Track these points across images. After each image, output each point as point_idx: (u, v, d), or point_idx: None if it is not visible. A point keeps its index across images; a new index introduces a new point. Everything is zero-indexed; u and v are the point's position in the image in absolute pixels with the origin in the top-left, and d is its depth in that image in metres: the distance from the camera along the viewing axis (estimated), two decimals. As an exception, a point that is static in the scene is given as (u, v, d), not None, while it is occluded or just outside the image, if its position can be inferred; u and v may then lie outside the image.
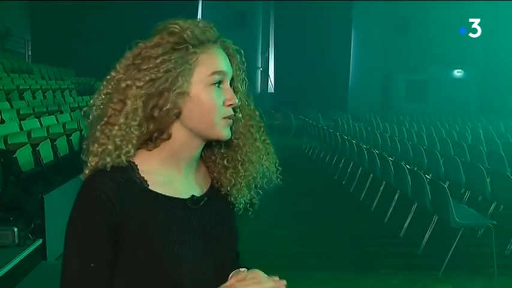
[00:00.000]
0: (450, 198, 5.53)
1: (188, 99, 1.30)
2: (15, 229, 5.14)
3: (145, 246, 1.27)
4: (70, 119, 10.75)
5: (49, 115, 10.55)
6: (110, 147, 1.28)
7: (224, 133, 1.34)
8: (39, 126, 9.29)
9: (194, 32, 1.31)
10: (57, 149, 8.07)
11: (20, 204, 5.68)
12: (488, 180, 6.87)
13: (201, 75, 1.31)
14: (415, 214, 6.74)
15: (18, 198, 5.80)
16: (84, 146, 1.35)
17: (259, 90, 25.06)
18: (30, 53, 21.05)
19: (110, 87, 1.32)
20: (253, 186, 1.49)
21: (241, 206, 1.49)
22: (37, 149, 7.47)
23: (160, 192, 1.32)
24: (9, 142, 7.31)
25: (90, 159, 1.30)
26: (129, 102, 1.28)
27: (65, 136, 8.66)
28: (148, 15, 19.83)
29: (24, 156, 7.05)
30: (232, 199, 1.47)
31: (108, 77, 1.34)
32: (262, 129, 1.50)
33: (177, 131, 1.33)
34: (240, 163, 1.43)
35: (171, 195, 1.34)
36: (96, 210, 1.25)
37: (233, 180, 1.44)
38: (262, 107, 20.36)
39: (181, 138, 1.34)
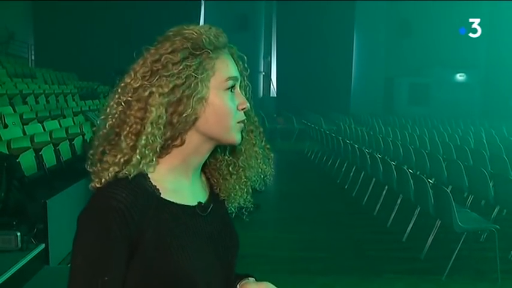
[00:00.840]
0: (453, 203, 5.52)
1: (206, 105, 1.30)
2: (18, 234, 5.14)
3: (163, 256, 1.25)
4: (73, 124, 10.77)
5: (52, 120, 10.57)
6: (137, 157, 1.26)
7: (238, 137, 1.36)
8: (42, 130, 9.31)
9: (210, 38, 1.32)
10: (60, 153, 8.09)
11: (23, 209, 5.68)
12: (491, 184, 6.86)
13: (217, 80, 1.32)
14: (417, 218, 6.73)
15: (21, 202, 5.80)
16: (90, 156, 1.34)
17: (261, 94, 25.05)
18: (33, 57, 21.08)
19: (129, 95, 1.30)
20: (250, 190, 1.49)
21: (234, 210, 1.50)
22: (40, 153, 7.49)
23: (171, 200, 1.31)
24: (12, 147, 7.33)
25: (110, 169, 1.27)
26: (153, 110, 1.26)
27: (67, 141, 8.68)
28: (151, 20, 19.89)
29: (27, 161, 7.07)
30: (229, 204, 1.48)
31: (123, 84, 1.31)
32: (261, 134, 1.51)
33: (191, 136, 1.33)
34: (241, 169, 1.45)
35: (181, 203, 1.33)
36: (114, 222, 1.20)
37: (236, 186, 1.45)
38: (265, 111, 20.39)
39: (194, 144, 1.33)
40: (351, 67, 24.64)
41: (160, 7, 20.33)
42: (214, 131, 1.33)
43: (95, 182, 1.30)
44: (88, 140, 9.31)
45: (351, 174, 10.08)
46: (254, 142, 1.47)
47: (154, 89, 1.28)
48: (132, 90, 1.29)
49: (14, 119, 9.44)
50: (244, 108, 1.35)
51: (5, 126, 8.92)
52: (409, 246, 6.58)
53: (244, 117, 1.37)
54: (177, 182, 1.35)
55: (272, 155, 1.53)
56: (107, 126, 1.31)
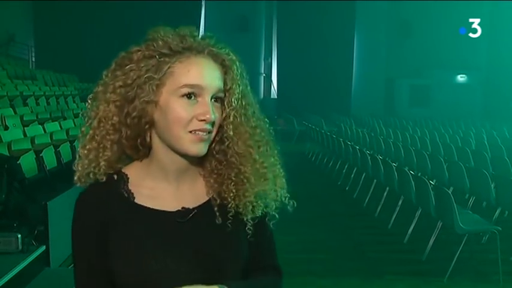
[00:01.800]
0: (454, 204, 5.50)
1: (157, 109, 1.28)
2: (19, 236, 5.13)
3: (121, 257, 1.29)
4: (73, 125, 10.75)
5: (52, 121, 10.57)
6: (91, 156, 1.34)
7: (192, 148, 1.28)
8: (43, 132, 9.30)
9: (168, 41, 1.28)
10: (60, 155, 8.08)
11: (24, 211, 5.67)
12: (492, 185, 6.84)
13: (172, 85, 1.27)
14: (419, 220, 6.71)
15: (22, 204, 5.79)
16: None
17: (262, 96, 25.04)
18: (33, 59, 21.08)
19: (93, 94, 1.35)
20: (261, 202, 1.40)
21: (249, 217, 1.38)
22: (41, 155, 7.48)
23: (146, 205, 1.32)
24: (12, 148, 7.33)
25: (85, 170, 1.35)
26: (101, 106, 1.31)
27: (68, 142, 8.66)
28: (152, 21, 19.84)
29: (27, 163, 7.05)
30: (239, 212, 1.38)
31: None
32: (265, 148, 1.41)
33: (154, 140, 1.33)
34: (232, 183, 1.36)
35: (157, 208, 1.33)
36: (84, 212, 1.32)
37: (232, 195, 1.37)
38: (265, 112, 20.27)
39: (161, 149, 1.32)
40: (351, 68, 24.63)
41: (160, 9, 20.30)
42: (166, 137, 1.29)
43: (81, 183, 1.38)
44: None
45: (352, 175, 10.06)
46: (254, 158, 1.37)
47: (103, 88, 1.31)
48: (95, 89, 1.34)
49: (14, 121, 9.44)
50: (203, 120, 1.26)
51: (6, 128, 8.91)
52: (411, 248, 6.56)
53: (205, 128, 1.27)
54: (157, 188, 1.35)
55: (282, 173, 1.48)
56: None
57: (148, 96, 1.27)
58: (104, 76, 1.33)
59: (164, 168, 1.34)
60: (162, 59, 1.28)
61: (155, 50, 1.28)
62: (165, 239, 1.31)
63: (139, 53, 1.29)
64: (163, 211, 1.33)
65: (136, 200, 1.32)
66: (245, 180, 1.36)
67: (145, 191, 1.33)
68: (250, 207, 1.37)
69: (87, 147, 1.33)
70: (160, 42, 1.29)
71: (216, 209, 1.37)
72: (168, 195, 1.35)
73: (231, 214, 1.36)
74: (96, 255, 1.30)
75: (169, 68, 1.27)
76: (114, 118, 1.29)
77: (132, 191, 1.33)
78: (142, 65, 1.28)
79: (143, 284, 1.28)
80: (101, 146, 1.31)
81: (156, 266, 1.28)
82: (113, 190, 1.32)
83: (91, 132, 1.32)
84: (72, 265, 1.34)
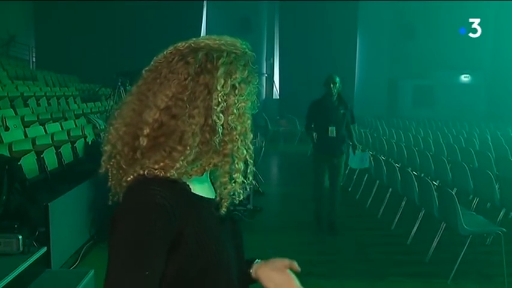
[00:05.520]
0: (458, 205, 5.47)
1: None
2: (20, 237, 5.10)
3: (203, 250, 1.29)
4: (75, 126, 10.73)
5: (53, 122, 10.54)
6: (185, 163, 1.30)
7: None
8: (44, 133, 9.27)
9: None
10: (61, 156, 8.05)
11: (25, 212, 5.63)
12: (496, 186, 6.81)
13: None
14: (422, 221, 6.68)
15: (23, 205, 5.76)
16: (119, 152, 1.35)
17: (264, 96, 25.03)
18: (34, 59, 21.07)
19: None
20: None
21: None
22: (42, 156, 7.45)
23: (200, 194, 1.36)
24: (13, 149, 7.29)
25: (155, 166, 1.28)
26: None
27: (69, 143, 8.64)
28: (154, 22, 19.91)
29: (28, 164, 7.03)
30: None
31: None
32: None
33: None
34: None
35: (207, 197, 1.38)
36: (159, 218, 1.22)
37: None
38: (268, 113, 20.34)
39: None
40: (354, 69, 24.60)
41: (162, 10, 20.31)
42: None
43: (127, 176, 1.30)
44: (90, 142, 9.27)
45: (355, 176, 10.03)
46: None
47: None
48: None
49: (15, 122, 9.40)
50: None
51: (7, 128, 8.88)
52: (414, 250, 6.53)
53: None
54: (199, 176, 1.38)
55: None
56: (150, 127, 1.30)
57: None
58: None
59: None
60: None
61: None
62: (222, 224, 1.40)
63: None
64: (211, 199, 1.39)
65: (192, 190, 1.34)
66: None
67: (193, 180, 1.36)
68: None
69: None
70: None
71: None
72: (206, 183, 1.42)
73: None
74: (164, 258, 1.25)
75: None
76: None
77: (186, 181, 1.34)
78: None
79: (225, 270, 1.36)
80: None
81: (229, 250, 1.39)
82: (175, 183, 1.29)
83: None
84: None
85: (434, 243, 6.06)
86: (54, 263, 5.37)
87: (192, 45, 1.35)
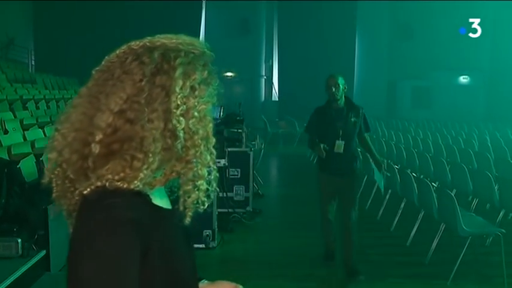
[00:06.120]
0: (457, 206, 5.47)
1: None
2: (19, 240, 5.12)
3: (167, 262, 1.22)
4: (74, 129, 10.71)
5: (53, 125, 10.52)
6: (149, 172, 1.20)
7: None
8: (43, 136, 9.27)
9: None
10: (61, 159, 8.03)
11: (24, 215, 5.63)
12: (496, 187, 6.81)
13: None
14: (421, 222, 6.68)
15: (22, 209, 5.76)
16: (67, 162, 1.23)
17: (263, 98, 25.04)
18: (33, 62, 21.07)
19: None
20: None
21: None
22: (41, 159, 7.44)
23: (159, 204, 1.27)
24: (13, 152, 7.29)
25: (115, 177, 1.17)
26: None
27: (68, 146, 8.63)
28: (153, 24, 19.87)
29: (28, 167, 7.02)
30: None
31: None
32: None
33: None
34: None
35: (165, 207, 1.30)
36: (133, 233, 1.13)
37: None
38: (267, 115, 20.35)
39: None
40: (353, 70, 24.60)
41: (161, 12, 20.31)
42: None
43: (82, 188, 1.18)
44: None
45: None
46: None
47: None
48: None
49: (14, 125, 9.40)
50: None
51: (6, 132, 8.88)
52: (413, 251, 6.53)
53: None
54: (161, 186, 1.32)
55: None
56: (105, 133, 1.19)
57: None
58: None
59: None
60: None
61: None
62: (180, 236, 1.33)
63: None
64: (169, 209, 1.31)
65: (153, 201, 1.24)
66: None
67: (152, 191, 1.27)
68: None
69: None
70: None
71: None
72: (163, 193, 1.32)
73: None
74: (137, 279, 1.15)
75: None
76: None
77: (146, 192, 1.24)
78: None
79: (187, 281, 1.32)
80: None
81: (188, 261, 1.34)
82: (139, 195, 1.20)
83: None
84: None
85: (434, 245, 6.06)
86: (53, 266, 5.37)
87: (147, 44, 1.26)
